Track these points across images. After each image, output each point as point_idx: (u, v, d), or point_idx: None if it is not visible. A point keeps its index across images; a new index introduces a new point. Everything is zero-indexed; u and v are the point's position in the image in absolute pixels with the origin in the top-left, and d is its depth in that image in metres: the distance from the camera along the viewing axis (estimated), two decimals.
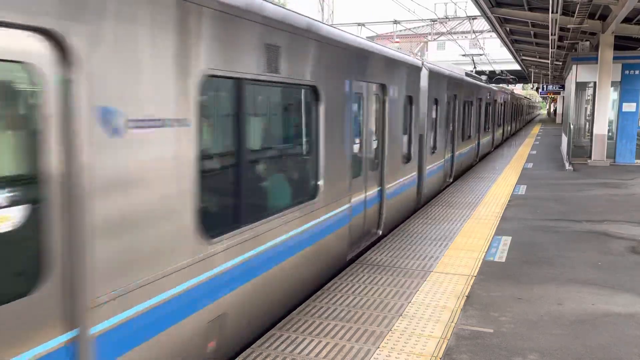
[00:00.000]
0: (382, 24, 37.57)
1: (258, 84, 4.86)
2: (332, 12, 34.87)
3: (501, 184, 13.94)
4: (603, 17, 17.74)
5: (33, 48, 2.68)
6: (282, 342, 4.72)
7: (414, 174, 10.29)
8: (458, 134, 14.96)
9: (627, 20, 17.00)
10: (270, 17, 4.90)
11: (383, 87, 8.25)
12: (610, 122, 19.57)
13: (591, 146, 19.42)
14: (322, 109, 6.11)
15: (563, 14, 14.24)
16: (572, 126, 19.36)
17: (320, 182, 6.16)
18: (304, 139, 6.04)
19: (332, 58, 6.33)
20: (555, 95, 52.06)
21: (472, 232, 8.78)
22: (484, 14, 20.04)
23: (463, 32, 41.38)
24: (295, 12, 5.66)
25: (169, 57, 3.58)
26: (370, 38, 16.17)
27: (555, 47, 20.95)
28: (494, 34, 28.50)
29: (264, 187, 5.33)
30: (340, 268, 7.02)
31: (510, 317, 5.38)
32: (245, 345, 4.87)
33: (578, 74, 20.31)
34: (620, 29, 17.28)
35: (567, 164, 18.08)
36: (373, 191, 8.17)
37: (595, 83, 19.33)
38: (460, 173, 15.87)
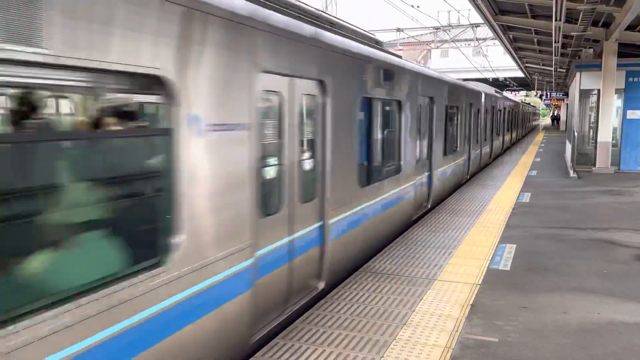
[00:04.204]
0: (386, 32, 37.63)
1: None
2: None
3: (505, 192, 13.90)
4: (606, 25, 17.75)
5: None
6: (285, 351, 4.70)
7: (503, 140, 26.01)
8: (501, 128, 26.25)
9: (630, 27, 17.00)
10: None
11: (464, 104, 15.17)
12: (615, 130, 19.52)
13: (595, 154, 19.37)
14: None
15: (566, 21, 14.24)
16: (576, 134, 19.32)
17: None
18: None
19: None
20: (559, 102, 52.02)
21: (477, 240, 8.76)
22: (487, 21, 20.08)
23: (466, 40, 41.44)
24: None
25: None
26: None
27: (559, 54, 20.96)
28: (497, 42, 28.54)
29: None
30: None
31: (515, 326, 5.35)
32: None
33: (582, 81, 20.28)
34: (623, 36, 17.28)
35: (571, 172, 18.03)
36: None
37: (599, 90, 19.31)
38: (506, 149, 28.67)
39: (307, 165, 5.74)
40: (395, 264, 7.31)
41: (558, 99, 46.58)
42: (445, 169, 12.84)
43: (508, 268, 7.28)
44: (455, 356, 4.66)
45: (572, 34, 16.44)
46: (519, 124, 39.37)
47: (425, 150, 10.90)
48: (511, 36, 24.37)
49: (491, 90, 23.02)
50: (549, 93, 47.26)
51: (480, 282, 6.64)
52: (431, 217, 10.55)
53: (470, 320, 5.46)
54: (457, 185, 14.88)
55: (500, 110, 24.86)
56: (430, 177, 11.38)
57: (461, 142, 14.96)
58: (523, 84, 60.28)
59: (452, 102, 13.27)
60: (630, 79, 19.09)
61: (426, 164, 11.06)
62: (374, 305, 5.80)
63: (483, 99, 18.97)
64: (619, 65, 18.46)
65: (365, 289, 6.31)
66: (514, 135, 34.31)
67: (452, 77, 15.08)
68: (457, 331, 5.17)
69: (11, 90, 2.79)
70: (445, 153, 12.79)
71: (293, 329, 5.16)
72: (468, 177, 16.57)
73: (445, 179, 13.03)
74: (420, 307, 5.77)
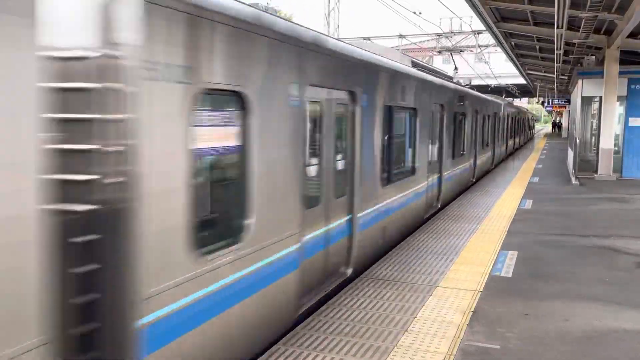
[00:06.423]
0: (388, 39, 37.71)
1: None
2: (338, 26, 35.08)
3: (507, 198, 13.89)
4: (608, 32, 17.76)
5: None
6: (286, 358, 4.69)
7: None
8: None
9: (632, 35, 17.01)
10: None
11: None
12: (617, 137, 19.53)
13: (597, 160, 19.35)
14: None
15: (568, 28, 14.26)
16: (578, 140, 19.31)
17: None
18: None
19: None
20: (561, 109, 52.03)
21: (478, 246, 8.74)
22: (489, 28, 20.11)
23: (468, 47, 41.49)
24: None
25: None
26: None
27: (561, 61, 20.96)
28: (499, 49, 28.59)
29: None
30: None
31: (517, 333, 5.34)
32: None
33: (584, 88, 20.29)
34: (625, 43, 17.29)
35: (573, 179, 18.01)
36: None
37: (601, 97, 19.31)
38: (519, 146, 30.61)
39: None
40: (396, 270, 7.30)
41: (560, 106, 46.61)
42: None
43: (510, 275, 7.27)
44: None
45: (574, 41, 16.46)
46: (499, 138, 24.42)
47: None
48: (513, 43, 24.40)
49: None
50: (550, 100, 47.28)
51: (482, 289, 6.63)
52: (433, 223, 10.54)
53: (471, 327, 5.45)
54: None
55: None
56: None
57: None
58: (525, 91, 60.32)
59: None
60: (633, 86, 19.11)
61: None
62: (375, 312, 5.79)
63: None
64: (621, 73, 18.47)
65: (366, 295, 6.30)
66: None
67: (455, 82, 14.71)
68: (458, 338, 5.16)
69: None
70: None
71: (294, 335, 5.16)
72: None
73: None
74: (421, 314, 5.76)
